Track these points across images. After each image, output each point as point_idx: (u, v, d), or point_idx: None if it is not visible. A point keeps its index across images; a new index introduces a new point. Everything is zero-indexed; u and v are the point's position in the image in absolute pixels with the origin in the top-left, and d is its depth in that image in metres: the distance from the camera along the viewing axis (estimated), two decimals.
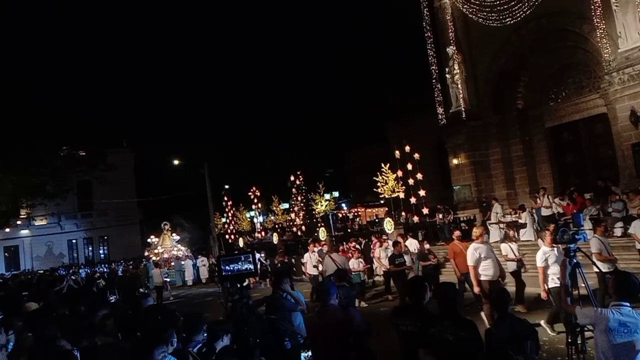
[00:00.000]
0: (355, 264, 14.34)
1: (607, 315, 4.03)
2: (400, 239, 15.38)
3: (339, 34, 76.91)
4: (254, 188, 34.34)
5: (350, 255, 15.27)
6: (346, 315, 5.08)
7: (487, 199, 22.19)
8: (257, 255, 21.66)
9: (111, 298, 13.31)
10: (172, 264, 29.94)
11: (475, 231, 10.21)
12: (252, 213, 37.35)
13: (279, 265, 18.46)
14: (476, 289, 9.57)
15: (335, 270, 10.39)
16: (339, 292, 5.37)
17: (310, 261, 15.63)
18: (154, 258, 30.64)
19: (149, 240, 36.40)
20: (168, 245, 33.32)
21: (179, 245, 33.87)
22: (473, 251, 9.59)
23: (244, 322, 4.64)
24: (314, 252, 15.70)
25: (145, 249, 38.27)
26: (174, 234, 34.44)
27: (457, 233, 12.25)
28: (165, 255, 31.46)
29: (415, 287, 4.99)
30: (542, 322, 8.68)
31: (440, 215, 21.33)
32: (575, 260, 5.19)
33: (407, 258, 13.96)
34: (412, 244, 16.05)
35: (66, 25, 63.36)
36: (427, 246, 14.55)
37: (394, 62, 59.95)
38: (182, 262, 29.45)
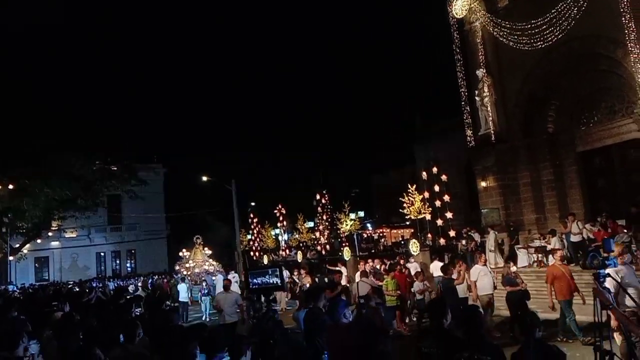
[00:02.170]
0: (420, 285, 13.92)
1: None
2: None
3: (371, 55, 77.44)
4: (280, 206, 34.50)
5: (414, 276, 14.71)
6: (351, 331, 5.18)
7: (515, 223, 21.87)
8: (286, 273, 21.64)
9: (136, 311, 13.47)
10: (203, 278, 28.72)
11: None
12: (277, 231, 37.49)
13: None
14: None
15: (374, 288, 10.44)
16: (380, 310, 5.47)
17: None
18: (184, 272, 30.40)
19: (180, 254, 36.14)
20: (199, 259, 32.56)
21: (211, 260, 33.22)
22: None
23: (269, 336, 4.67)
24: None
25: (173, 263, 38.47)
26: (205, 248, 33.88)
27: (560, 253, 11.66)
28: (197, 270, 30.77)
29: (435, 309, 4.97)
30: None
31: (464, 242, 20.98)
32: (605, 286, 5.10)
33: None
34: (436, 268, 15.89)
35: (105, 40, 65.24)
36: (513, 269, 12.81)
37: (423, 83, 60.00)
38: (213, 278, 27.79)
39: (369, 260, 18.74)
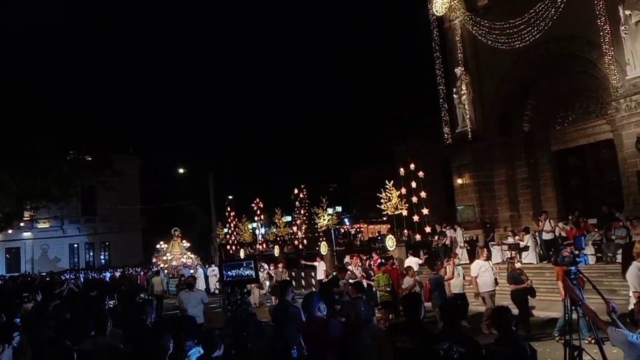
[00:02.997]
0: (410, 281, 12.89)
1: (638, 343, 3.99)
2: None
3: (349, 52, 77.57)
4: (257, 199, 34.37)
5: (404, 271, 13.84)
6: (326, 325, 5.21)
7: (490, 220, 22.17)
8: (266, 266, 21.46)
9: (109, 303, 13.33)
10: (181, 271, 28.39)
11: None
12: (255, 224, 37.37)
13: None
14: None
15: (353, 282, 10.38)
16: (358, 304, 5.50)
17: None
18: (162, 265, 29.92)
19: (157, 246, 35.47)
20: (177, 252, 31.91)
21: (189, 253, 32.63)
22: None
23: (243, 328, 4.66)
24: (358, 266, 15.93)
25: (149, 256, 37.91)
26: (184, 241, 33.26)
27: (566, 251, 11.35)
28: (174, 263, 30.19)
29: (410, 303, 5.01)
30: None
31: (436, 237, 21.15)
32: (575, 282, 5.19)
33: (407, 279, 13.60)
34: (412, 262, 16.00)
35: (75, 29, 64.01)
36: (518, 265, 12.21)
37: (401, 80, 60.30)
38: (191, 271, 27.48)
39: (353, 256, 18.34)
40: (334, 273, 14.84)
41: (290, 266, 23.18)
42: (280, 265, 20.92)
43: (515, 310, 11.75)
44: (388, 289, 13.01)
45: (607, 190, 20.62)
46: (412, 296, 6.08)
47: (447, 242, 20.12)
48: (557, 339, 9.61)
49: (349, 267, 15.98)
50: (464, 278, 12.68)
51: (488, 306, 11.41)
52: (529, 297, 11.14)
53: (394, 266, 14.77)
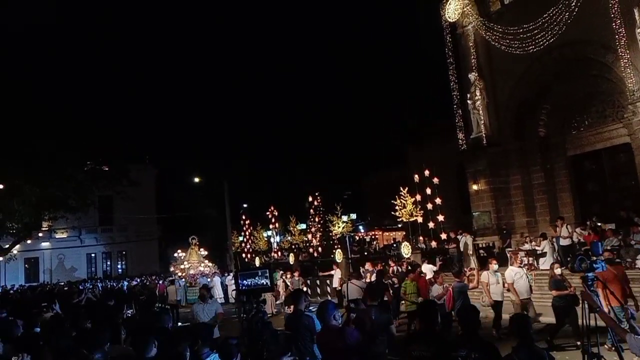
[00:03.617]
0: (439, 289, 12.36)
1: None
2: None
3: (362, 57, 77.56)
4: (272, 208, 34.41)
5: (432, 280, 13.44)
6: (342, 333, 5.20)
7: (507, 226, 21.98)
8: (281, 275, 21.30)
9: (128, 312, 13.45)
10: (198, 280, 27.75)
11: None
12: (269, 233, 37.40)
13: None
14: None
15: (367, 287, 10.28)
16: (371, 312, 5.49)
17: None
18: (179, 274, 29.97)
19: (175, 254, 35.43)
20: (195, 260, 31.45)
21: (207, 261, 32.29)
22: None
23: (258, 337, 4.68)
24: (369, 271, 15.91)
25: (165, 265, 37.96)
26: (201, 249, 32.93)
27: (607, 254, 10.54)
28: (192, 272, 29.79)
29: (426, 312, 4.98)
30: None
31: (448, 245, 21.03)
32: (592, 289, 5.14)
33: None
34: (427, 270, 15.91)
35: (95, 38, 64.90)
36: (557, 271, 11.03)
37: (415, 86, 60.11)
38: (209, 279, 27.31)
39: (368, 263, 18.09)
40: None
41: (305, 274, 23.17)
42: (296, 273, 20.89)
43: (545, 319, 11.49)
44: (415, 298, 12.41)
45: (625, 194, 20.37)
46: (428, 304, 6.04)
47: (461, 249, 20.02)
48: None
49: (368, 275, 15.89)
50: (503, 285, 11.95)
51: (531, 314, 10.86)
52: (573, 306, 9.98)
53: (422, 274, 14.15)
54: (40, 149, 27.68)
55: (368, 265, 17.50)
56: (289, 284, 19.77)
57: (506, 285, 11.67)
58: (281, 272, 21.98)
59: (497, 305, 11.74)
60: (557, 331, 10.25)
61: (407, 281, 12.98)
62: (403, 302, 13.58)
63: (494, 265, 12.55)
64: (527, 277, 11.73)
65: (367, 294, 8.96)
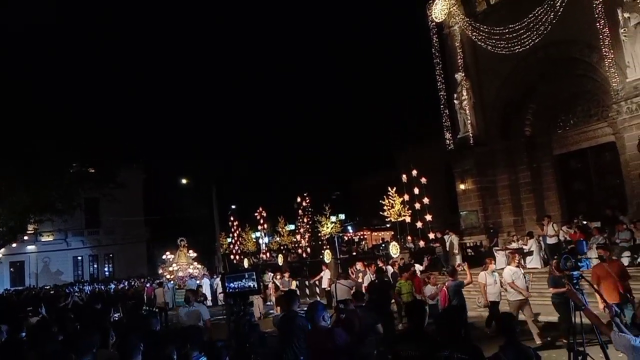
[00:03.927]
0: (432, 289, 11.92)
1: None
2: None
3: (349, 58, 77.78)
4: (260, 209, 34.29)
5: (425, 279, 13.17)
6: (331, 334, 5.20)
7: (494, 225, 22.12)
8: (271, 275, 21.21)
9: (114, 315, 13.32)
10: (187, 282, 27.16)
11: None
12: (258, 234, 37.27)
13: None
14: None
15: (353, 292, 10.25)
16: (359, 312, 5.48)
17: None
18: (168, 276, 29.70)
19: (163, 257, 35.01)
20: (184, 262, 31.00)
21: (195, 263, 31.85)
22: None
23: (246, 340, 4.65)
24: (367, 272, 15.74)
25: (153, 267, 37.58)
26: (190, 251, 32.47)
27: (600, 251, 10.42)
28: (180, 274, 29.44)
29: (414, 311, 4.98)
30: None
31: (433, 244, 21.11)
32: (577, 287, 5.17)
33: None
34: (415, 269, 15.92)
35: (76, 34, 64.17)
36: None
37: (403, 87, 60.31)
38: (198, 281, 26.90)
39: (359, 263, 17.64)
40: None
41: (293, 275, 23.12)
42: (286, 274, 20.82)
43: (548, 318, 11.41)
44: (410, 297, 11.96)
45: (611, 193, 20.60)
46: (415, 303, 6.05)
47: (447, 248, 20.15)
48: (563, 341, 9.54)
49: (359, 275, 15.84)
50: (501, 285, 11.77)
51: (515, 312, 10.57)
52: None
53: (415, 273, 13.88)
54: (40, 149, 27.26)
55: (359, 265, 17.42)
56: (279, 285, 19.71)
57: (504, 285, 11.59)
58: (270, 273, 21.93)
59: (493, 306, 11.68)
60: (570, 328, 10.27)
61: (401, 281, 12.58)
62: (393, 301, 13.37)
63: (492, 266, 12.46)
64: (525, 277, 11.55)
65: (354, 296, 8.95)
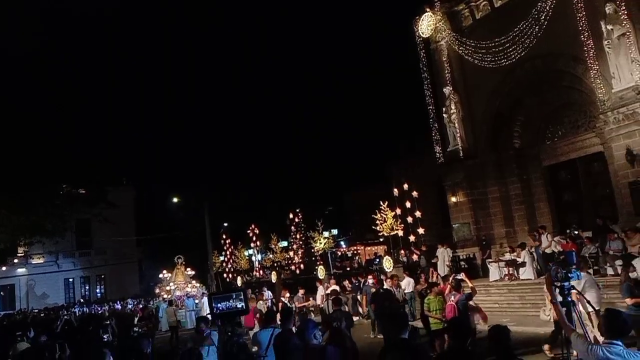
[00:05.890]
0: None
1: (597, 353, 4.01)
2: None
3: (342, 73, 78.20)
4: (253, 226, 34.17)
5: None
6: (323, 353, 5.18)
7: (486, 237, 22.15)
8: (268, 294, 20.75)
9: (104, 337, 13.15)
10: (186, 302, 26.43)
11: None
12: (251, 251, 37.11)
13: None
14: None
15: (333, 298, 10.25)
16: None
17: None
18: (165, 295, 29.22)
19: (160, 275, 34.34)
20: (181, 281, 30.11)
21: (194, 282, 31.06)
22: None
23: None
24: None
25: (145, 288, 37.09)
26: (188, 269, 31.72)
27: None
28: (178, 293, 28.67)
29: (397, 321, 5.00)
30: None
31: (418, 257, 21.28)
32: (569, 299, 5.16)
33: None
34: (409, 283, 15.91)
35: (71, 59, 64.26)
36: (634, 274, 10.41)
37: (393, 101, 60.76)
38: (197, 301, 25.72)
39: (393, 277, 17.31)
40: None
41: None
42: (301, 291, 19.28)
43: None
44: (440, 315, 11.08)
45: (601, 202, 20.69)
46: (459, 321, 5.94)
47: (440, 260, 20.24)
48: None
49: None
50: None
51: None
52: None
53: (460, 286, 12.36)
54: (29, 178, 27.10)
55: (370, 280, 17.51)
56: (286, 302, 17.95)
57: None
58: (268, 291, 21.21)
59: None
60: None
61: (430, 297, 11.66)
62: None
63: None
64: (599, 285, 11.02)
65: (332, 301, 8.91)
